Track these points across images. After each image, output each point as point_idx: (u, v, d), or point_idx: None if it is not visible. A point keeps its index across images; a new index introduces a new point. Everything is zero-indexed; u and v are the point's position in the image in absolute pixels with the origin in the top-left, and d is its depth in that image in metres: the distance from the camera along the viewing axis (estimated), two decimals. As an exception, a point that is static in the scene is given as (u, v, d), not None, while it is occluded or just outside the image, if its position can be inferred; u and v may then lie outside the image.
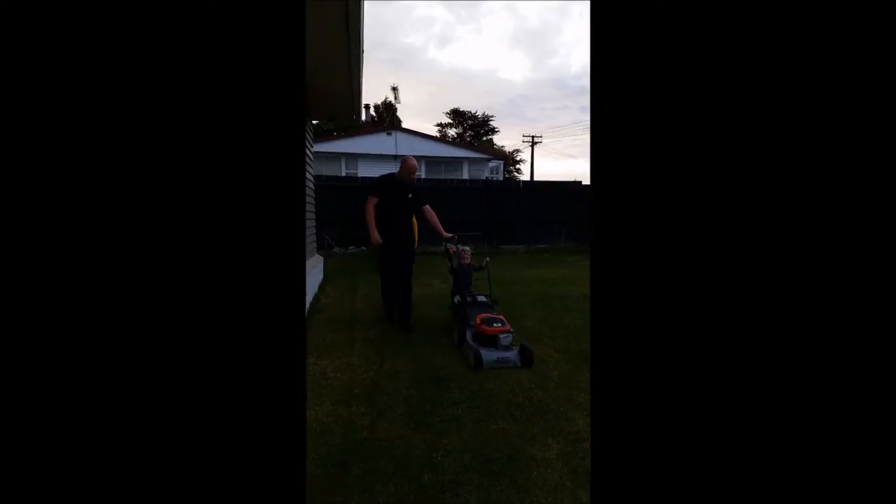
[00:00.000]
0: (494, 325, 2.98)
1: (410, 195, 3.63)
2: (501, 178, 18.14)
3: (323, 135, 16.19)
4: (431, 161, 15.29)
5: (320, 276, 5.47)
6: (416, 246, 3.66)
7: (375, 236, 3.48)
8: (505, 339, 2.93)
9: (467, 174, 15.88)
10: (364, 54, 3.74)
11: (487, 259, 3.78)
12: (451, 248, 3.76)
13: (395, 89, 29.03)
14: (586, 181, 10.43)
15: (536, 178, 24.70)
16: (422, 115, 57.14)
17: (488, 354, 2.81)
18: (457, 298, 3.56)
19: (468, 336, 3.05)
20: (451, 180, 12.29)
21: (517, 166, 28.76)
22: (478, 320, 3.05)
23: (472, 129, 29.81)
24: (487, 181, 14.07)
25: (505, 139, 63.29)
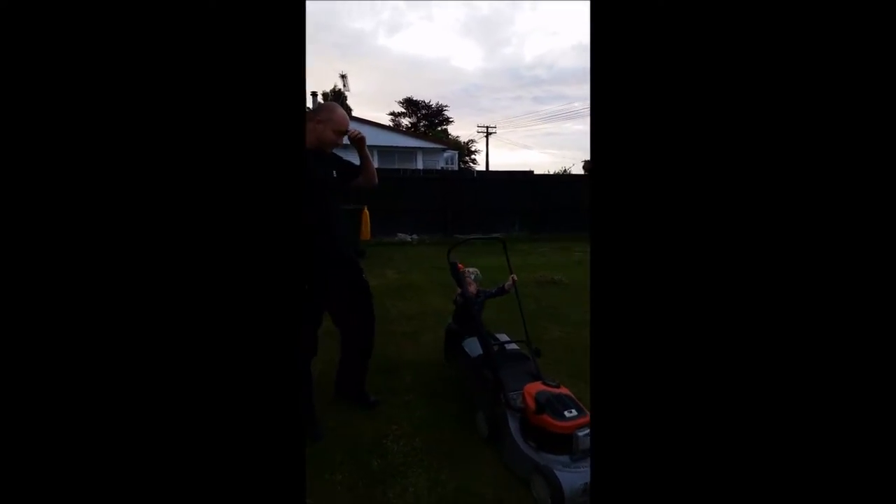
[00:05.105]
0: (567, 413, 1.59)
1: (335, 172, 2.00)
2: (456, 168, 18.21)
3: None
4: (385, 151, 15.10)
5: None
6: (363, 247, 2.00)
7: None
8: (585, 437, 1.53)
9: (421, 164, 15.83)
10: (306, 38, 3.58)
11: (514, 276, 2.38)
12: (460, 263, 2.40)
13: (343, 77, 28.21)
14: (539, 171, 10.62)
15: (492, 168, 25.01)
16: (373, 104, 56.34)
17: (571, 478, 1.45)
18: (465, 343, 2.30)
19: (512, 427, 1.69)
20: (405, 170, 12.21)
21: (472, 156, 28.98)
22: (529, 401, 1.67)
23: (426, 118, 29.68)
24: (442, 171, 14.06)
25: (459, 129, 63.60)
